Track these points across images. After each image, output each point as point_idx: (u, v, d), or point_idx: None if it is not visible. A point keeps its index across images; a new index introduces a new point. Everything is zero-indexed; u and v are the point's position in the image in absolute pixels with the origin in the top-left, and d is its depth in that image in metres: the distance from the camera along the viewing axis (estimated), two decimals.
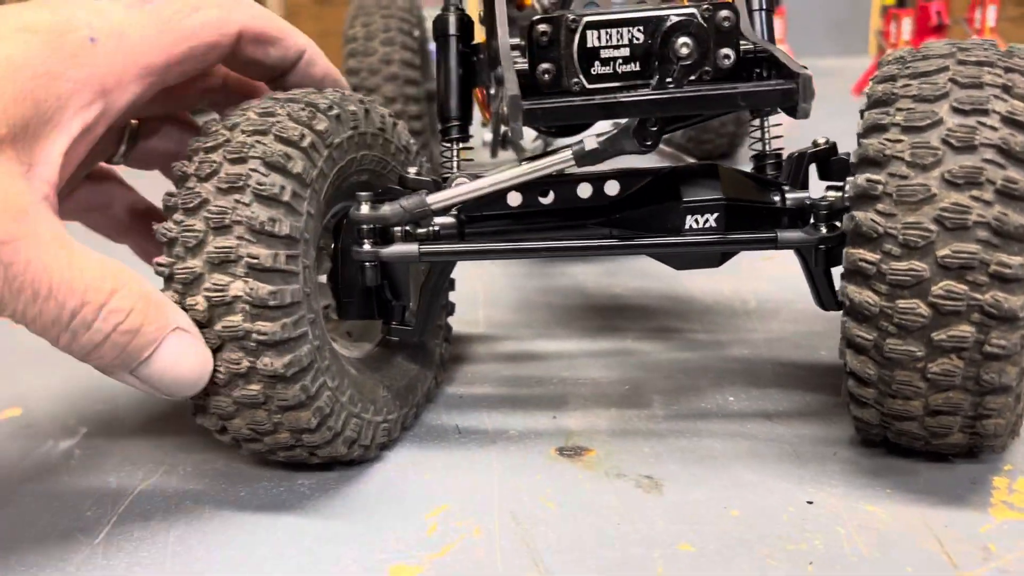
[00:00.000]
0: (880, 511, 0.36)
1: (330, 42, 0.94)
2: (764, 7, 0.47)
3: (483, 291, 0.66)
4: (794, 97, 0.36)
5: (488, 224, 0.45)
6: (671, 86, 0.38)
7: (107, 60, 0.35)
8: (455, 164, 0.48)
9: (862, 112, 0.37)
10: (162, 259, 0.37)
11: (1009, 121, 0.34)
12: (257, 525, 0.38)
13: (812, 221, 0.42)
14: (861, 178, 0.35)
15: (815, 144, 0.45)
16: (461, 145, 0.49)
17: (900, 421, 0.37)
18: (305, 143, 0.38)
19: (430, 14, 0.54)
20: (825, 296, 0.44)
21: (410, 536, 0.37)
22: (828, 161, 0.44)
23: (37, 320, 0.32)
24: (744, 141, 1.15)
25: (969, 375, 0.34)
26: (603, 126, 0.42)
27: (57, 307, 0.32)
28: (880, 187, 0.35)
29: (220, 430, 0.39)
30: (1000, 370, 0.34)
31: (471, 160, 0.50)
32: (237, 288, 0.35)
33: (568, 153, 0.41)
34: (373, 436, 0.42)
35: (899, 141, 0.35)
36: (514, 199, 0.44)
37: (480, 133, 1.07)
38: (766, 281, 0.64)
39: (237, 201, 0.36)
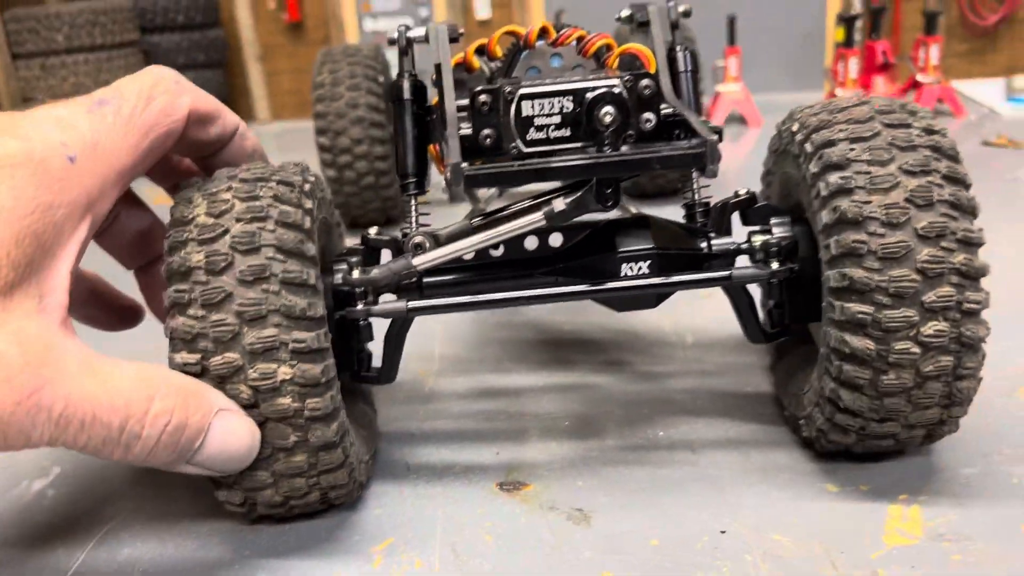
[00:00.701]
0: (786, 540, 0.40)
1: (304, 79, 0.97)
2: (689, 69, 0.51)
3: (441, 330, 0.70)
4: (703, 160, 0.41)
5: (444, 276, 0.48)
6: (605, 149, 0.42)
7: (89, 175, 0.36)
8: (414, 219, 0.52)
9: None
10: (183, 356, 0.37)
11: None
12: (218, 561, 0.41)
13: (763, 257, 0.47)
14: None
15: (736, 194, 0.49)
16: (417, 200, 0.53)
17: (889, 397, 0.40)
18: (306, 224, 0.40)
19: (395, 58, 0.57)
20: (752, 329, 0.50)
21: (356, 569, 0.40)
22: (748, 210, 0.49)
23: (89, 444, 0.34)
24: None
25: (953, 335, 0.39)
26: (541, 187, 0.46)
27: (104, 428, 0.34)
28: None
29: (242, 503, 0.41)
30: (976, 325, 0.39)
31: (428, 203, 0.54)
32: (285, 373, 0.37)
33: (540, 215, 0.44)
34: (366, 476, 0.45)
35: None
36: (468, 253, 0.48)
37: (440, 180, 1.11)
38: (703, 319, 0.68)
39: (266, 291, 0.37)
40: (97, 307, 0.48)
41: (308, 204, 0.41)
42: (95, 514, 0.46)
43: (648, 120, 0.44)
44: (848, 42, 1.68)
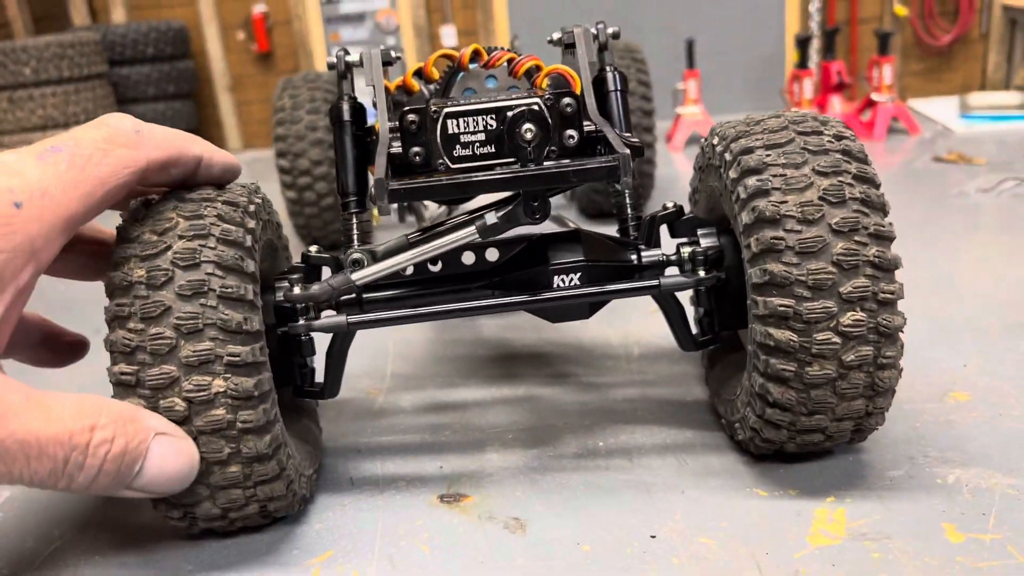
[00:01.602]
0: (712, 543, 0.41)
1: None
2: (618, 88, 0.53)
3: (392, 348, 0.71)
4: (617, 172, 0.42)
5: (384, 292, 0.49)
6: (528, 165, 0.43)
7: (35, 222, 0.35)
8: (354, 235, 0.53)
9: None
10: (120, 368, 0.38)
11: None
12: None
13: (690, 267, 0.48)
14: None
15: (664, 207, 0.51)
16: (359, 218, 0.54)
17: (815, 388, 0.42)
18: (248, 243, 0.41)
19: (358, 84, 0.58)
20: (684, 338, 0.52)
21: None
22: (675, 222, 0.50)
23: (35, 477, 0.35)
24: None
25: (871, 324, 0.40)
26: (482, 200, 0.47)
27: (50, 461, 0.34)
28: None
29: (182, 516, 0.42)
30: (892, 314, 0.41)
31: (378, 225, 0.55)
32: (219, 385, 0.38)
33: (472, 228, 0.46)
34: (308, 490, 0.46)
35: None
36: (408, 269, 0.49)
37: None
38: (650, 333, 0.69)
39: (203, 305, 0.38)
40: (47, 349, 0.49)
41: (251, 224, 0.42)
42: (42, 535, 0.46)
43: (571, 136, 0.46)
44: (803, 63, 1.72)
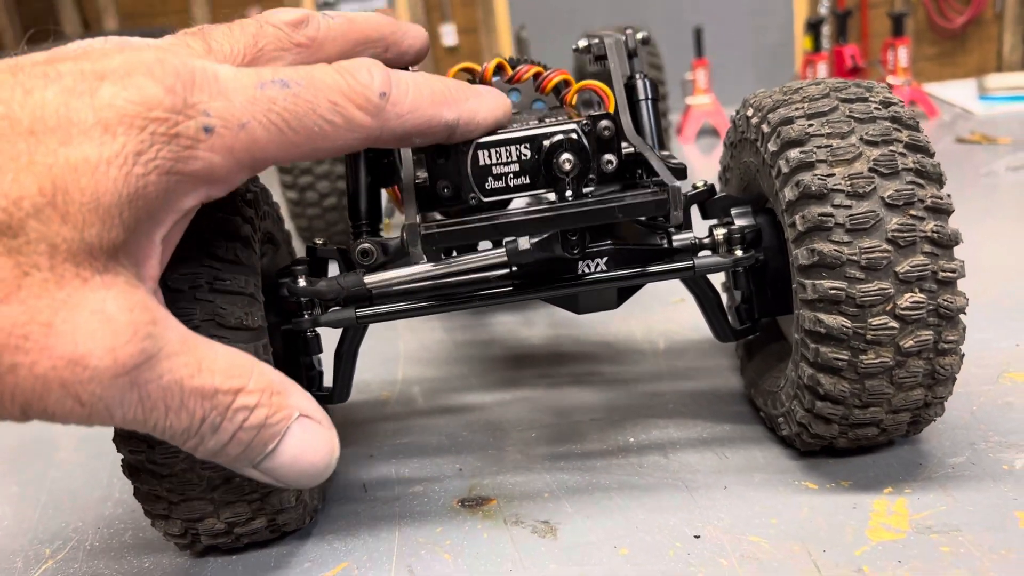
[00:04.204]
0: (763, 541, 0.37)
1: None
2: (648, 97, 0.49)
3: (404, 352, 0.67)
4: (666, 207, 0.39)
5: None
6: (566, 196, 0.40)
7: (220, 153, 0.30)
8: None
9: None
10: None
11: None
12: None
13: (726, 249, 0.45)
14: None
15: (695, 187, 0.47)
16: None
17: (870, 378, 0.38)
18: (245, 233, 0.38)
19: None
20: (720, 327, 0.47)
21: None
22: (707, 202, 0.47)
23: (168, 431, 0.30)
24: None
25: (931, 306, 0.37)
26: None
27: (188, 417, 0.30)
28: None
29: (183, 533, 0.39)
30: (954, 295, 0.37)
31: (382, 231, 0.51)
32: None
33: (502, 251, 0.42)
34: (319, 501, 0.43)
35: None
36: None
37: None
38: (676, 326, 0.66)
39: (198, 300, 0.35)
40: None
41: (248, 212, 0.39)
42: (33, 553, 0.43)
43: (609, 162, 0.43)
44: (816, 48, 1.68)
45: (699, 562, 0.36)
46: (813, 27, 1.69)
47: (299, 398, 0.33)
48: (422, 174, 0.43)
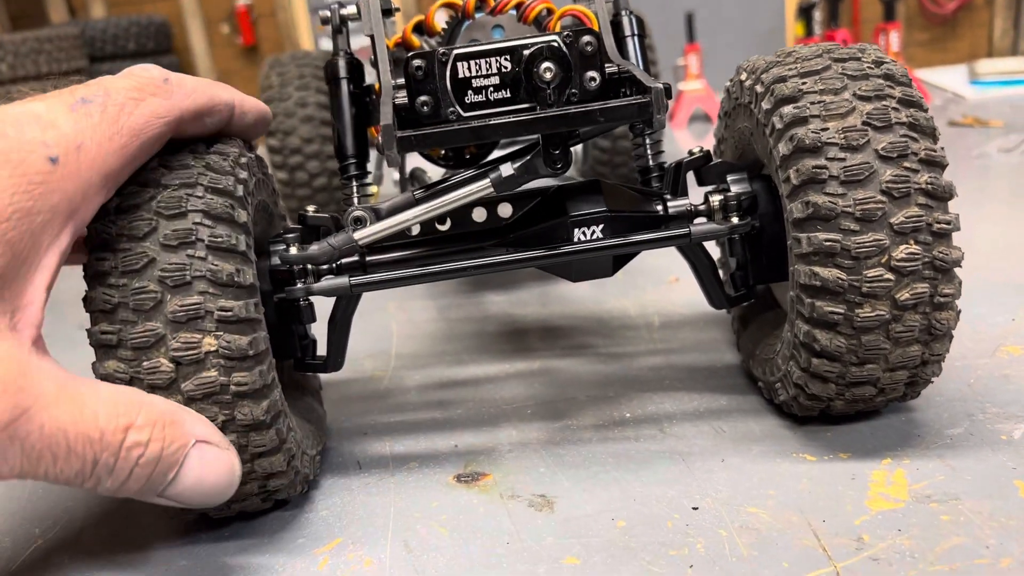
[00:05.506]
0: (762, 512, 0.37)
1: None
2: (635, 33, 0.49)
3: (397, 330, 0.67)
4: (649, 110, 0.38)
5: (388, 253, 0.45)
6: (544, 108, 0.39)
7: (72, 179, 0.32)
8: (355, 200, 0.49)
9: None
10: (100, 327, 0.34)
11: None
12: (153, 572, 0.38)
13: (722, 215, 0.44)
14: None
15: (691, 153, 0.46)
16: (359, 182, 0.50)
17: (866, 333, 0.38)
18: (239, 193, 0.38)
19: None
20: (715, 294, 0.47)
21: (301, 571, 0.36)
22: (703, 168, 0.46)
23: (60, 476, 0.31)
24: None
25: (926, 258, 0.36)
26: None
27: (78, 462, 0.31)
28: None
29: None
30: (949, 247, 0.37)
31: (370, 196, 0.51)
32: (209, 344, 0.34)
33: (486, 181, 0.42)
34: (311, 471, 0.42)
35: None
36: (414, 228, 0.45)
37: (389, 173, 1.08)
38: (670, 303, 0.65)
39: (191, 256, 0.35)
40: None
41: (242, 175, 0.39)
42: (23, 534, 0.42)
43: (592, 78, 0.41)
44: (808, 33, 1.67)
45: (698, 532, 0.36)
46: (805, 12, 1.69)
47: (193, 424, 0.34)
48: (402, 96, 0.42)
